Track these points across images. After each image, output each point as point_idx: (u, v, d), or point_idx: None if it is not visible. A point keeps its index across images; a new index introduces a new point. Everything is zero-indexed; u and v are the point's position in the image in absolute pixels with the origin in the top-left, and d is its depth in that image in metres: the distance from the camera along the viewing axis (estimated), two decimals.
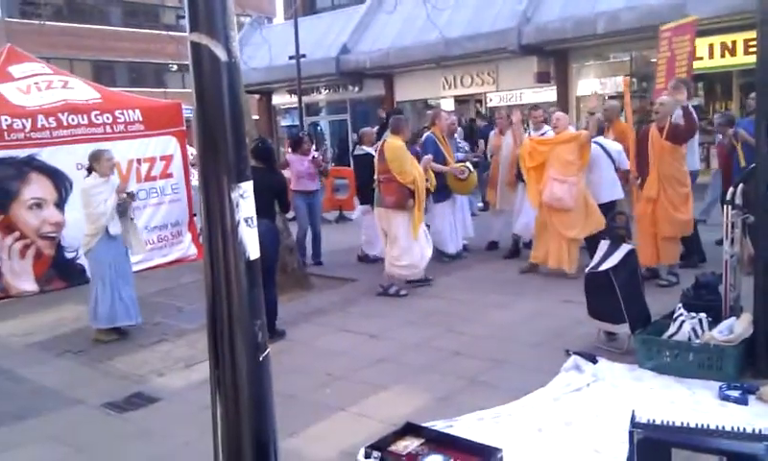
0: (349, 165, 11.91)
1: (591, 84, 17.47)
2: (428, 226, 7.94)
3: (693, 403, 4.14)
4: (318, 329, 6.30)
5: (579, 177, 7.33)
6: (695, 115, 6.74)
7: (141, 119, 9.28)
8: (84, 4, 26.61)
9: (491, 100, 19.16)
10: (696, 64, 12.25)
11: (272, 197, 5.94)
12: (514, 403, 4.30)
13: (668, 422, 2.94)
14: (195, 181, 9.97)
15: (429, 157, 7.74)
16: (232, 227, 1.52)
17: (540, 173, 7.56)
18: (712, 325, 4.68)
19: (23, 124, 8.24)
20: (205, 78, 1.50)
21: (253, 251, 1.57)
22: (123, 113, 9.12)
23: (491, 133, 9.95)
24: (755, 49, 4.63)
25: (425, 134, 8.61)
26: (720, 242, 5.42)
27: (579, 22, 15.40)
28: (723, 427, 2.85)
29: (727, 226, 4.95)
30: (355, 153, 9.41)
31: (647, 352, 4.74)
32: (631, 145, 7.28)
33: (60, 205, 8.58)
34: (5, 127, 8.10)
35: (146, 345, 6.12)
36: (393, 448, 3.33)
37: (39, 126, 8.36)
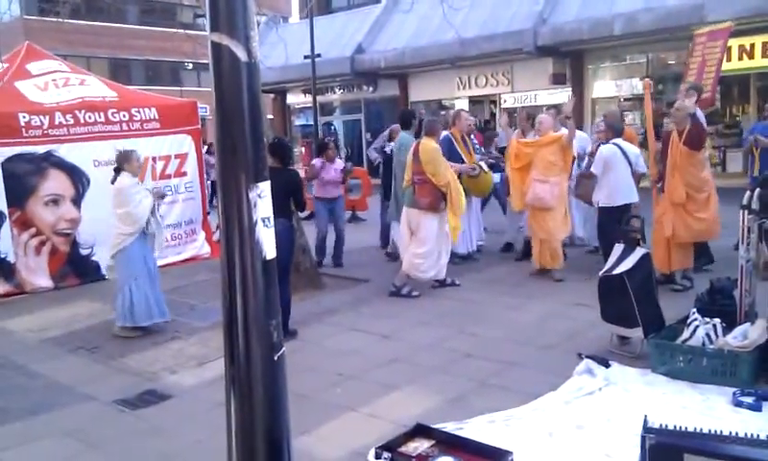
0: (362, 165, 11.91)
1: (607, 85, 17.38)
2: None
3: (706, 409, 4.12)
4: (329, 329, 6.31)
5: (561, 178, 7.55)
6: (703, 121, 6.72)
7: (157, 117, 9.35)
8: (102, 2, 26.77)
9: (505, 101, 19.11)
10: None
11: (287, 195, 5.96)
12: (525, 406, 4.29)
13: (681, 427, 2.92)
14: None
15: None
16: (250, 226, 1.54)
17: (525, 175, 7.79)
18: (727, 330, 4.65)
19: (41, 121, 8.33)
20: (225, 78, 1.51)
21: (270, 251, 1.58)
22: (139, 111, 9.19)
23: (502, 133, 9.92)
24: None
25: (442, 134, 8.60)
26: (736, 247, 5.39)
27: (596, 23, 15.33)
28: (736, 434, 2.83)
29: (743, 230, 4.92)
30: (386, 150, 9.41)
31: (660, 357, 4.71)
32: (651, 147, 7.28)
33: (76, 201, 8.66)
34: (23, 123, 8.18)
35: (159, 342, 6.16)
36: (403, 449, 3.33)
37: (57, 123, 8.44)
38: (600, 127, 8.33)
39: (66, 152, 8.51)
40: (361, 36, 20.50)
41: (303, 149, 22.35)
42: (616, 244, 5.51)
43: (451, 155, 8.02)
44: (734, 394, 4.20)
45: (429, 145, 7.13)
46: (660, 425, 2.93)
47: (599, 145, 7.55)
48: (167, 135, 9.44)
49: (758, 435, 2.81)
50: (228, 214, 1.53)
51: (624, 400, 4.32)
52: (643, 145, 8.99)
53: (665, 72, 16.43)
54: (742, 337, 4.52)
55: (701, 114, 6.95)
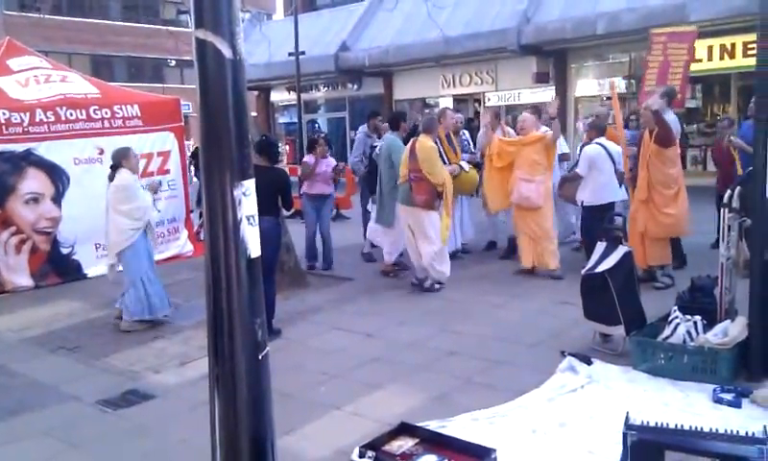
0: (346, 162, 11.84)
1: (590, 84, 17.49)
2: None
3: (687, 406, 4.16)
4: (314, 328, 6.31)
5: (546, 176, 7.58)
6: (671, 120, 6.82)
7: (139, 114, 9.27)
8: None
9: (489, 99, 19.16)
10: (695, 66, 12.29)
11: (274, 193, 5.94)
12: (508, 404, 4.31)
13: (662, 424, 2.95)
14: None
15: None
16: (234, 224, 1.53)
17: (506, 174, 7.82)
18: (707, 328, 4.70)
19: (21, 118, 8.23)
20: (210, 75, 1.50)
21: (255, 249, 1.57)
22: (121, 108, 9.11)
23: (480, 132, 9.86)
24: (754, 52, 4.65)
25: None
26: (714, 245, 5.46)
27: (579, 23, 15.41)
28: (716, 430, 2.87)
29: (723, 229, 4.98)
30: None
31: (642, 354, 4.76)
32: (623, 147, 7.37)
33: (56, 199, 8.57)
34: (3, 121, 8.08)
35: (142, 341, 6.12)
36: (387, 447, 3.33)
37: (38, 120, 8.35)
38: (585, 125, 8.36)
39: (46, 150, 8.40)
40: (345, 33, 20.46)
41: (288, 147, 22.26)
42: (599, 242, 5.56)
43: None
44: (714, 390, 4.25)
45: (427, 143, 7.15)
46: (642, 422, 2.96)
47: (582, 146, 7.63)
48: (150, 133, 9.36)
49: (738, 431, 2.85)
50: (213, 212, 1.53)
51: (606, 397, 4.36)
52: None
53: None
54: (722, 334, 4.57)
55: (673, 117, 7.05)
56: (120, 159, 6.40)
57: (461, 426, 3.92)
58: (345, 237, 10.15)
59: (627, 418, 3.00)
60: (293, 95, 20.83)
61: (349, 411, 4.41)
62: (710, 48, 14.43)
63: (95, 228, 7.48)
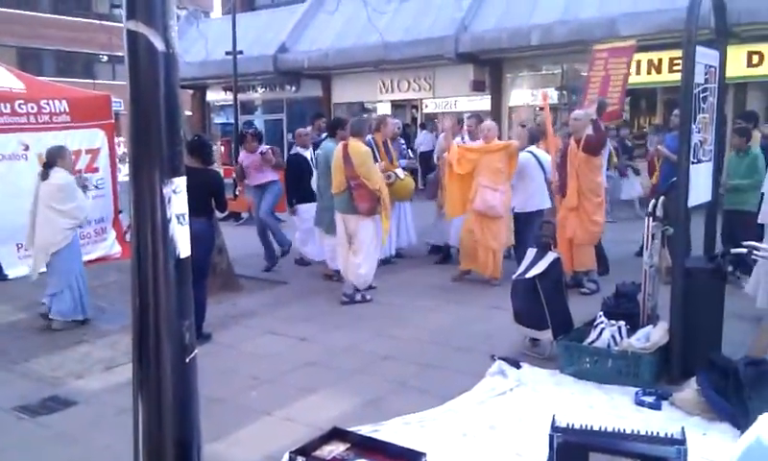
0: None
1: (524, 94, 17.90)
2: None
3: (611, 408, 4.30)
4: (246, 332, 6.21)
5: (507, 186, 7.53)
6: (603, 128, 7.07)
7: (68, 110, 8.92)
8: None
9: (426, 106, 19.37)
10: None
11: (207, 195, 5.82)
12: (439, 408, 4.35)
13: (587, 426, 3.04)
14: (121, 176, 9.71)
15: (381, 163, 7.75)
16: (163, 223, 1.48)
17: (466, 181, 7.69)
18: (630, 332, 4.86)
19: None
20: (141, 68, 1.45)
21: (184, 249, 1.53)
22: (48, 103, 8.75)
23: (440, 136, 9.93)
24: (679, 67, 4.86)
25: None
26: (640, 253, 5.67)
27: (514, 33, 15.76)
28: (638, 432, 2.97)
29: (647, 237, 5.17)
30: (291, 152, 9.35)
31: (568, 358, 4.89)
32: (552, 156, 7.54)
33: None
34: None
35: (64, 346, 5.88)
36: (318, 452, 3.30)
37: None
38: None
39: None
40: (285, 34, 20.30)
41: (223, 147, 21.89)
42: (529, 248, 5.69)
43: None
44: (637, 393, 4.40)
45: (360, 147, 6.95)
46: (568, 425, 3.04)
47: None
48: (78, 129, 9.02)
49: (658, 433, 2.96)
50: (141, 210, 1.48)
51: (534, 399, 4.45)
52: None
53: (579, 83, 17.02)
54: (645, 339, 4.74)
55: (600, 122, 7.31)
56: (55, 158, 6.32)
57: (392, 431, 3.94)
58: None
59: (553, 420, 3.07)
60: (229, 95, 20.48)
61: (281, 416, 4.36)
62: (639, 62, 14.97)
63: (18, 227, 7.15)
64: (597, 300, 5.95)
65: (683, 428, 2.99)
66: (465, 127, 9.01)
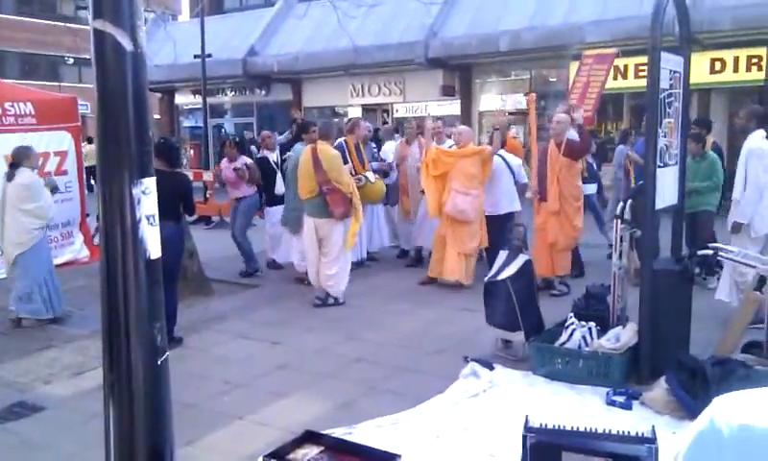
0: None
1: (493, 99, 18.05)
2: None
3: (582, 408, 4.34)
4: (217, 336, 6.15)
5: (480, 190, 7.54)
6: (589, 135, 7.16)
7: (33, 112, 8.73)
8: None
9: (397, 111, 19.41)
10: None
11: (176, 199, 5.76)
12: (413, 410, 4.35)
13: (559, 426, 3.06)
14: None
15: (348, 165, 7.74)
16: (133, 224, 1.46)
17: (441, 183, 7.68)
18: (601, 333, 4.92)
19: None
20: (109, 68, 1.43)
21: (155, 250, 1.51)
22: (13, 105, 8.56)
23: (396, 142, 9.98)
24: (645, 73, 4.94)
25: (337, 141, 8.57)
26: (610, 256, 5.75)
27: (483, 39, 15.88)
28: (609, 431, 3.00)
29: (616, 239, 5.24)
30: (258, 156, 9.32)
31: (540, 359, 4.92)
32: (533, 160, 7.59)
33: None
34: None
35: (32, 351, 5.77)
36: (291, 456, 3.28)
37: None
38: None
39: None
40: (254, 38, 20.18)
41: (192, 151, 21.69)
42: (501, 251, 5.72)
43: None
44: (608, 394, 4.45)
45: (330, 151, 6.92)
46: (540, 425, 3.06)
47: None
48: (44, 132, 8.86)
49: (629, 432, 2.99)
50: (110, 211, 1.45)
51: (507, 400, 4.48)
52: (527, 157, 9.35)
53: (547, 89, 17.24)
54: (615, 340, 4.80)
55: (573, 134, 7.39)
56: (21, 158, 6.33)
57: (366, 433, 3.92)
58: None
59: (526, 420, 3.09)
60: (198, 99, 20.29)
61: (254, 420, 4.32)
62: None
63: None
64: (568, 301, 6.01)
65: (653, 427, 3.03)
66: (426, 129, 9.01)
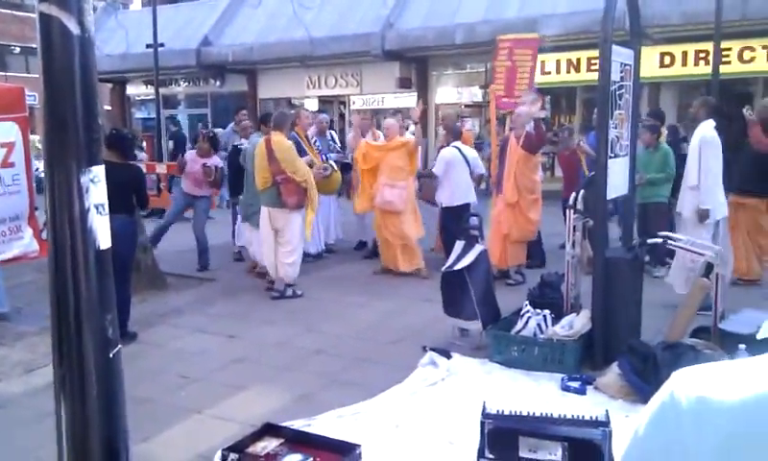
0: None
1: (450, 92, 18.15)
2: None
3: (538, 394, 4.41)
4: (173, 331, 6.06)
5: (408, 182, 7.74)
6: (544, 128, 7.25)
7: None
8: None
9: (354, 103, 19.35)
10: (544, 79, 12.99)
11: (129, 191, 5.64)
12: (372, 400, 4.36)
13: (516, 411, 3.11)
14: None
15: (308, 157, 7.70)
16: (81, 213, 1.42)
17: (373, 177, 7.90)
18: (555, 321, 5.02)
19: None
20: (55, 52, 1.39)
21: (104, 240, 1.47)
22: None
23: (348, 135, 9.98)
24: (596, 66, 5.02)
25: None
26: (563, 246, 5.85)
27: (439, 32, 15.94)
28: (564, 415, 3.07)
29: (569, 229, 5.33)
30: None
31: (497, 347, 4.99)
32: (494, 152, 7.69)
33: None
34: None
35: None
36: (251, 449, 3.26)
37: None
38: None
39: None
40: (207, 28, 19.85)
41: (145, 143, 21.24)
42: (457, 241, 5.77)
43: (300, 154, 7.97)
44: (563, 380, 4.54)
45: (284, 143, 6.90)
46: (498, 411, 3.11)
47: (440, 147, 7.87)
48: None
49: (583, 416, 3.06)
50: (57, 201, 1.41)
51: (465, 388, 4.52)
52: (480, 148, 9.45)
53: None
54: (569, 327, 4.90)
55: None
56: None
57: (326, 424, 3.92)
58: (210, 237, 9.84)
59: (484, 407, 3.13)
60: (151, 89, 19.88)
61: (212, 414, 4.28)
62: (558, 62, 15.43)
63: None
64: (523, 290, 6.10)
65: (607, 411, 3.10)
66: (353, 124, 9.06)
